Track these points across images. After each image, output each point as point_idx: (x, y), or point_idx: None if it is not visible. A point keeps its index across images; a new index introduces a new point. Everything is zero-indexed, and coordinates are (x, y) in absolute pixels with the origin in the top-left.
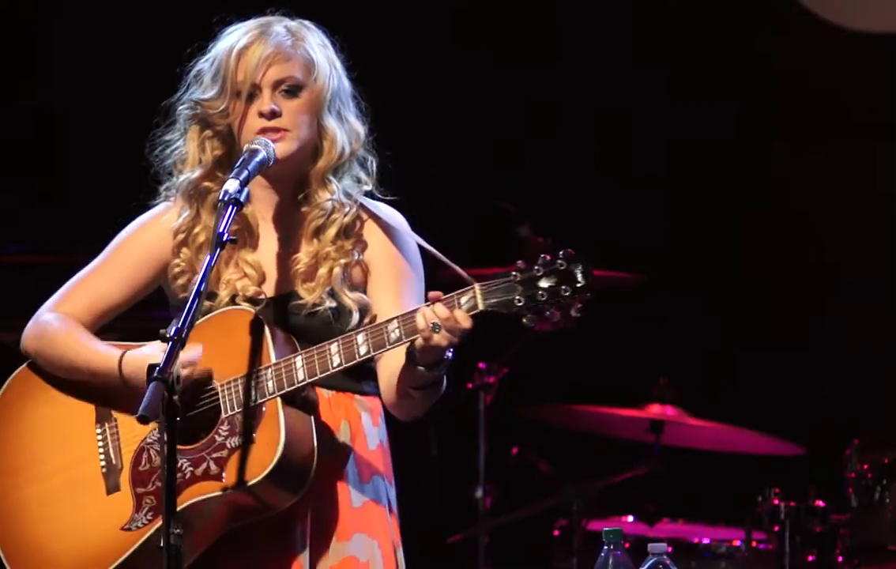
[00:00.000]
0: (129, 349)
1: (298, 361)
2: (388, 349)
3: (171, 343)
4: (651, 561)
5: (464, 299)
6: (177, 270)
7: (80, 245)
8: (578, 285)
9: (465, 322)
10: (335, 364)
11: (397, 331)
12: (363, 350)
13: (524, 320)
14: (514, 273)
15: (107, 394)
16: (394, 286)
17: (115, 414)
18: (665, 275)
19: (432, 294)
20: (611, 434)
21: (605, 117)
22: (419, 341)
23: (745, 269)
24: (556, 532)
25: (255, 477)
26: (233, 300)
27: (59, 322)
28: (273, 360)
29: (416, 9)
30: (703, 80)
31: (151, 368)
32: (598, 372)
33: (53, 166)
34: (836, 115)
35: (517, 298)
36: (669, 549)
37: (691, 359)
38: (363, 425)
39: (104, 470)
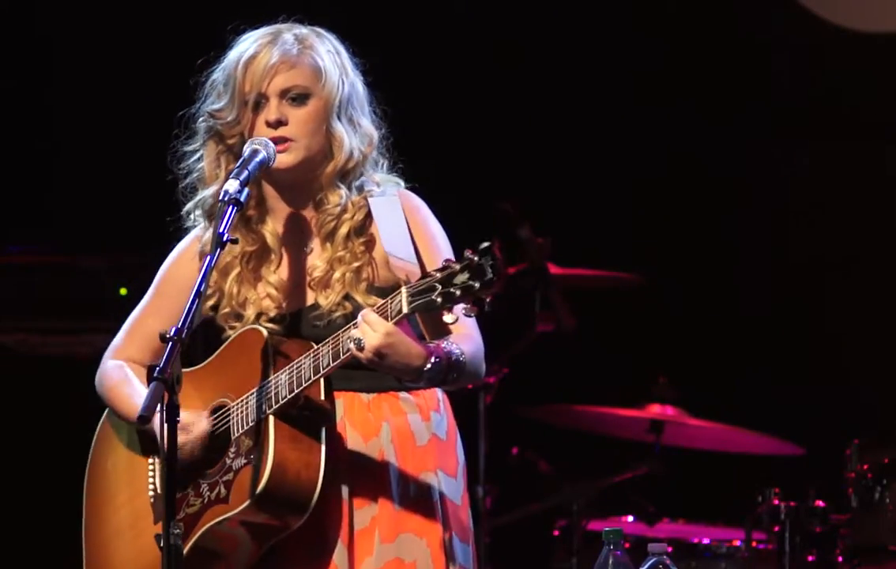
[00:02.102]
0: None
1: (283, 376)
2: (346, 359)
3: (170, 343)
4: (651, 561)
5: (394, 303)
6: (207, 292)
7: (80, 247)
8: (486, 279)
9: (375, 331)
10: (306, 378)
11: (350, 341)
12: (326, 361)
13: (444, 317)
14: (436, 271)
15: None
16: (426, 260)
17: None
18: (665, 275)
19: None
20: (611, 434)
21: (605, 117)
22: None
23: (745, 268)
24: (556, 532)
25: (248, 499)
26: (258, 318)
27: (114, 371)
28: (271, 378)
29: (415, 9)
30: (702, 79)
31: (151, 368)
32: (598, 372)
33: (57, 170)
34: (836, 115)
35: (435, 296)
36: (669, 549)
37: (691, 359)
38: (410, 424)
39: (152, 500)
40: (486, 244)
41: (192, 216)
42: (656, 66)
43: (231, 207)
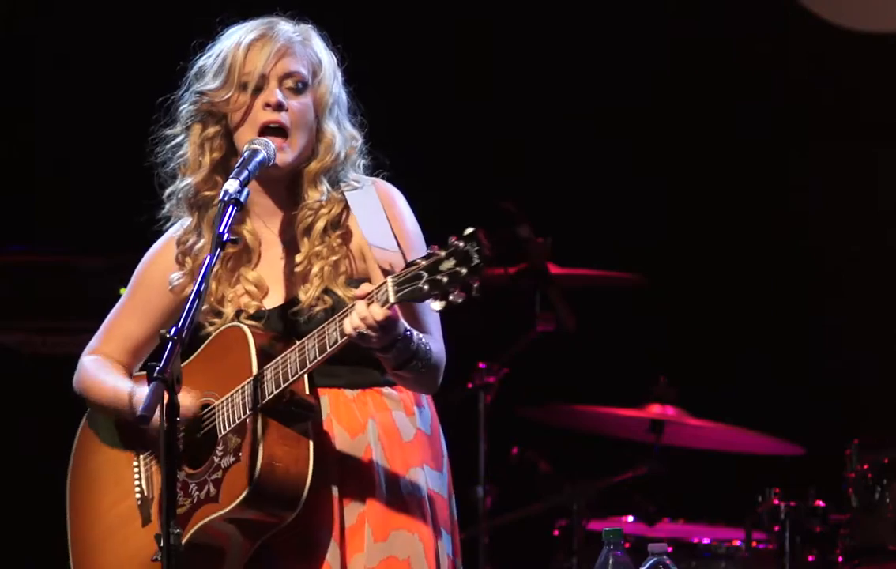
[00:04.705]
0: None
1: (268, 373)
2: (333, 351)
3: (170, 343)
4: (651, 561)
5: (380, 293)
6: (182, 281)
7: (80, 247)
8: (473, 264)
9: (379, 316)
10: (292, 373)
11: (335, 332)
12: (312, 355)
13: (433, 305)
14: (421, 259)
15: (140, 429)
16: (404, 249)
17: (149, 445)
18: (665, 275)
19: (358, 292)
20: (611, 434)
21: (605, 117)
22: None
23: (745, 268)
24: (556, 532)
25: (238, 497)
26: (237, 316)
27: (91, 364)
28: (256, 375)
29: (415, 12)
30: (702, 80)
31: (151, 368)
32: (598, 372)
33: (47, 166)
34: (837, 115)
35: (422, 284)
36: (669, 549)
37: (691, 359)
38: (395, 420)
39: (139, 503)
40: (470, 230)
41: (169, 205)
42: (656, 66)
43: (231, 208)
